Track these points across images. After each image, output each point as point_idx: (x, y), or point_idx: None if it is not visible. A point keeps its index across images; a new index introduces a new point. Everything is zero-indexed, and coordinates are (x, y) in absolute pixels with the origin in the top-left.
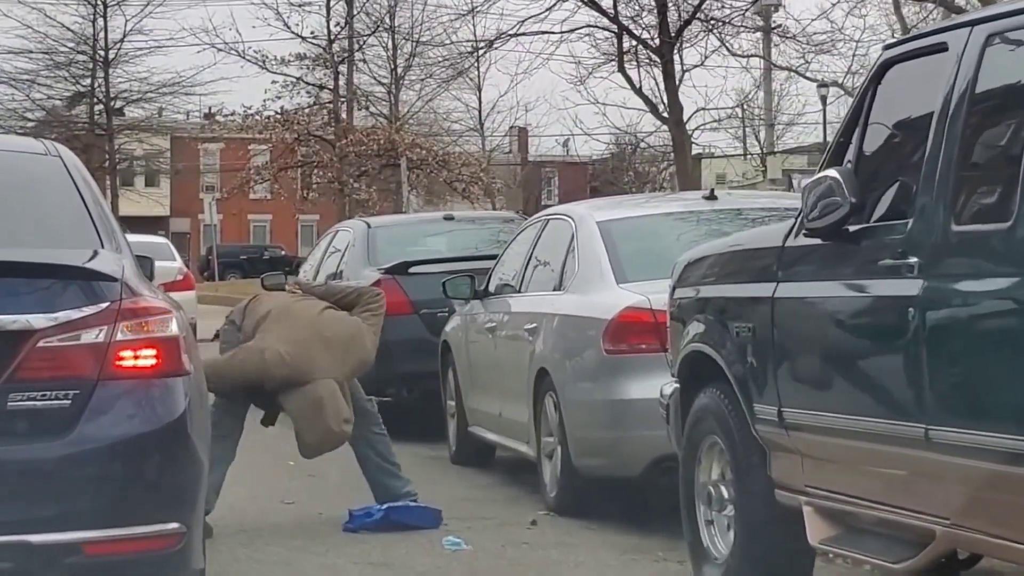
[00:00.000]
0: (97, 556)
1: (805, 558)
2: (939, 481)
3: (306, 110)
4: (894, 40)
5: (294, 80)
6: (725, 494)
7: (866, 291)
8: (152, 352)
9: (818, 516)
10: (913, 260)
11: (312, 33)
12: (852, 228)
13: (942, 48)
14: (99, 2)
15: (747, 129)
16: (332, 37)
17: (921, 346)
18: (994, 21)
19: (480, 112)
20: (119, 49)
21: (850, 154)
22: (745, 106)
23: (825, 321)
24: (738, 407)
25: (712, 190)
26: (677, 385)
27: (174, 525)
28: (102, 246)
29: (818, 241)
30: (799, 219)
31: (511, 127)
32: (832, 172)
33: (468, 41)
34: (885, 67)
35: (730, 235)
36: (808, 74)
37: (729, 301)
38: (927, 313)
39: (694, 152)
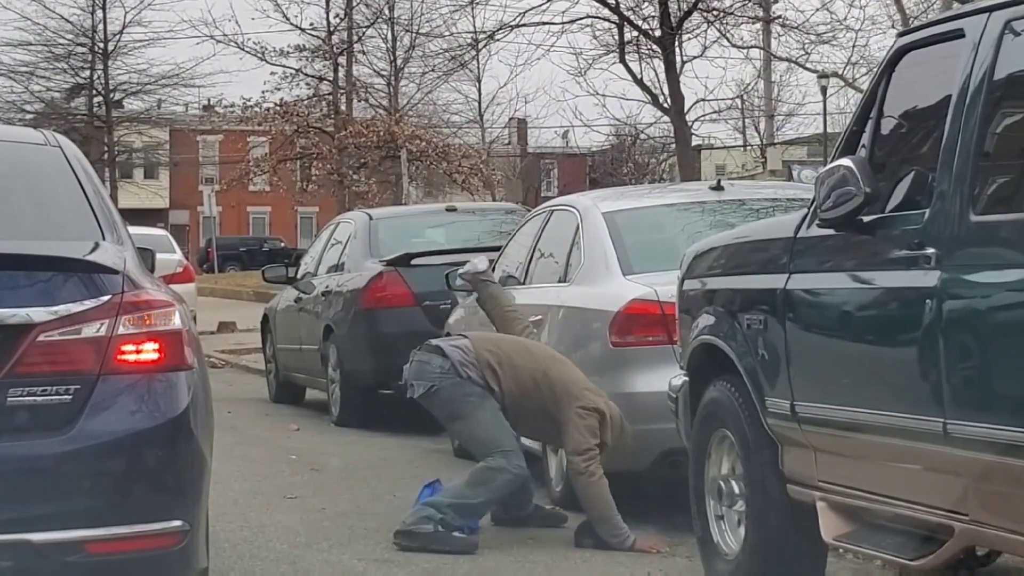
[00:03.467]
0: (99, 555)
1: (818, 554)
2: (957, 476)
3: (305, 102)
4: (909, 27)
5: (293, 72)
6: (735, 489)
7: (882, 283)
8: (155, 346)
9: (832, 512)
10: (930, 251)
11: (311, 24)
12: (867, 218)
13: (959, 35)
14: None
15: (747, 120)
16: (331, 28)
17: (938, 338)
18: (1012, 7)
19: (480, 104)
20: (118, 41)
21: (864, 142)
22: (745, 97)
23: (839, 313)
24: (749, 400)
25: (719, 180)
26: (686, 378)
27: (177, 523)
28: (103, 238)
29: (831, 232)
30: (812, 209)
31: (511, 119)
32: (846, 161)
33: (468, 32)
34: (900, 54)
35: (737, 226)
36: (808, 65)
37: (739, 293)
38: (945, 305)
39: (694, 143)
